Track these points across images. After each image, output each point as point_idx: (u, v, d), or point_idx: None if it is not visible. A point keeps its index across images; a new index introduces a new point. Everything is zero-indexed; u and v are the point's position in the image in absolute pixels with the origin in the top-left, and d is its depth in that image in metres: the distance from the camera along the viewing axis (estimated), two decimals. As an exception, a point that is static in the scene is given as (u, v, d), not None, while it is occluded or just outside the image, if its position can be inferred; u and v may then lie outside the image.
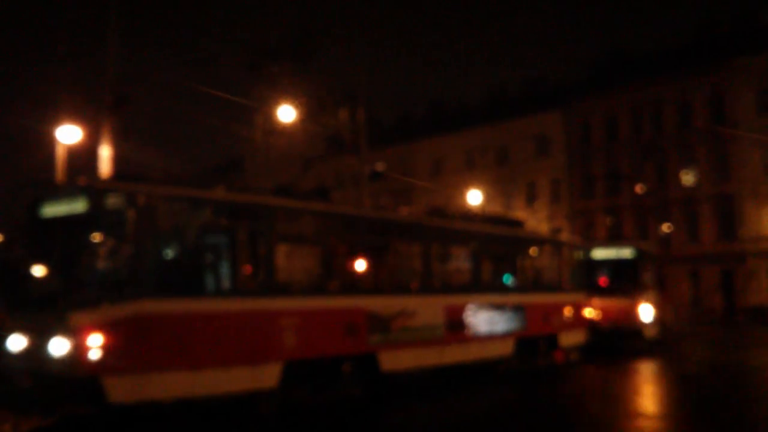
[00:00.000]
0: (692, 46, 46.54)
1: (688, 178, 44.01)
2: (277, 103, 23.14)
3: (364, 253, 11.59)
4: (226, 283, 9.26)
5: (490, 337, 13.45)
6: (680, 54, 46.23)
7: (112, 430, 8.87)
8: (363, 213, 12.15)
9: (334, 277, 10.84)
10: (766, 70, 40.79)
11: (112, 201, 8.46)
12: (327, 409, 10.37)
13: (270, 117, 24.40)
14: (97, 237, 8.42)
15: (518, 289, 14.83)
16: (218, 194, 9.37)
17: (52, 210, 8.94)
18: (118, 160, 15.12)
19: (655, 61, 47.13)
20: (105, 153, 14.98)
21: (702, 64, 43.36)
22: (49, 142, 19.18)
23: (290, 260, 10.39)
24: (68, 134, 18.35)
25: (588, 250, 19.75)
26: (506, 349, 13.91)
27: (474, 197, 36.78)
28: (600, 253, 19.90)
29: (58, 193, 9.08)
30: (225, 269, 9.28)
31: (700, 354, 20.62)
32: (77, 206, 8.64)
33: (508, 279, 14.91)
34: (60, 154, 18.75)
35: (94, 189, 8.58)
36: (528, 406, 11.83)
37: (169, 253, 8.85)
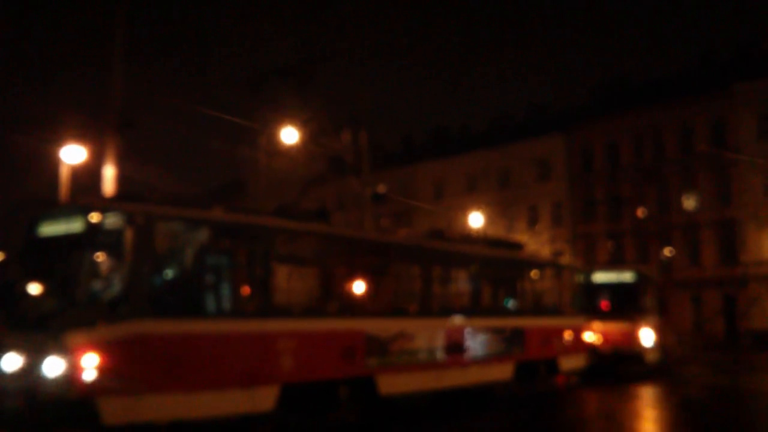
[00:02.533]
0: (694, 72, 46.76)
1: (689, 202, 43.99)
2: (280, 124, 23.18)
3: (363, 275, 11.53)
4: (223, 304, 9.19)
5: (490, 361, 13.34)
6: (682, 80, 46.44)
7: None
8: (362, 235, 12.13)
9: (332, 299, 10.78)
10: (766, 96, 40.92)
11: (110, 221, 8.43)
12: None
13: (273, 138, 24.43)
14: (94, 256, 8.40)
15: (518, 312, 14.75)
16: (216, 215, 9.34)
17: (50, 229, 8.93)
18: (122, 180, 15.11)
19: (657, 86, 47.34)
20: (109, 173, 14.97)
21: (703, 90, 43.51)
22: (54, 162, 19.17)
23: (288, 282, 10.34)
24: (73, 154, 18.35)
25: (589, 273, 19.68)
26: (506, 373, 13.80)
27: (475, 220, 36.75)
28: (601, 277, 19.80)
29: (57, 212, 9.06)
30: (222, 290, 9.22)
31: (702, 378, 20.44)
32: (75, 226, 8.62)
33: (507, 302, 14.84)
34: (64, 174, 18.75)
35: (92, 208, 8.56)
36: (528, 431, 11.71)
37: (166, 273, 8.81)
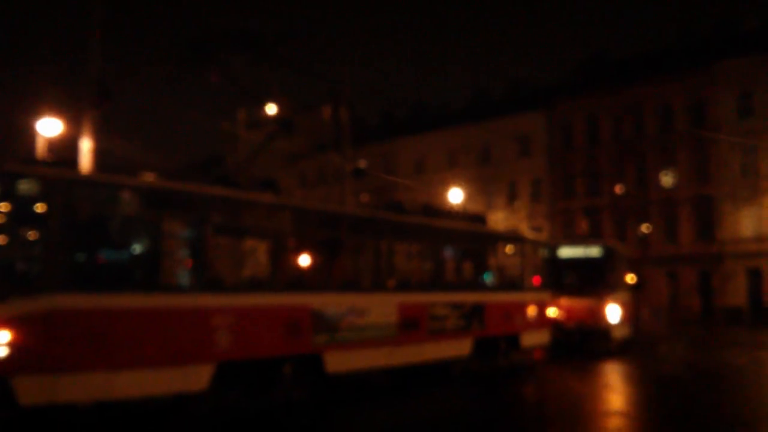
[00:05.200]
0: (674, 50, 46.44)
1: (667, 179, 43.82)
2: (260, 99, 22.69)
3: (311, 249, 11.07)
4: (149, 277, 8.63)
5: (446, 337, 12.96)
6: (662, 57, 46.10)
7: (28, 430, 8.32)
8: (309, 206, 11.59)
9: (274, 273, 10.26)
10: (746, 74, 40.64)
11: (26, 187, 7.91)
12: (268, 412, 9.86)
13: (253, 113, 24.00)
14: (7, 225, 7.88)
15: (478, 287, 14.36)
16: (145, 181, 8.78)
17: None
18: (102, 154, 14.64)
19: (637, 63, 46.95)
20: (86, 146, 14.50)
21: (683, 68, 43.23)
22: (30, 135, 18.70)
23: (226, 254, 9.84)
24: (49, 127, 17.89)
25: (555, 248, 19.23)
26: (463, 349, 13.43)
27: (455, 196, 36.35)
28: (567, 252, 19.26)
29: None
30: (149, 262, 8.68)
31: (676, 354, 20.24)
32: None
33: (466, 277, 14.43)
34: (40, 146, 18.27)
35: (7, 174, 8.01)
36: (484, 408, 11.37)
37: (89, 243, 8.27)
